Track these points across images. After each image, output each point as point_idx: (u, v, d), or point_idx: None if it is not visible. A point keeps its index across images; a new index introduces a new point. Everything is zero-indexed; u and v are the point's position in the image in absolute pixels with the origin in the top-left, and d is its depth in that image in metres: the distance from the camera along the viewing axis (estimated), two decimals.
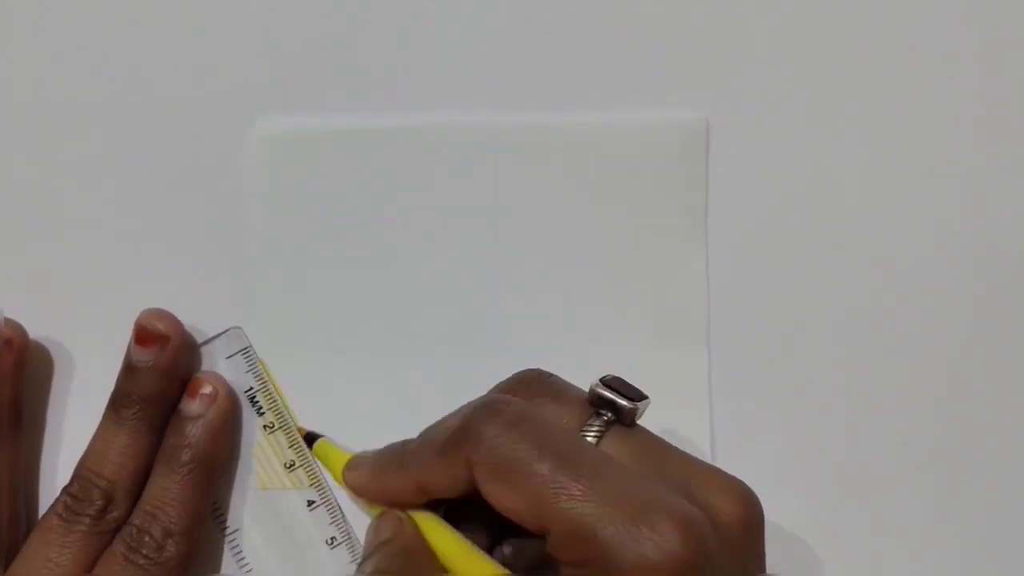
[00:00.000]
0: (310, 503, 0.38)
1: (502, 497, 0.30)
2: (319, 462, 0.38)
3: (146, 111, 0.39)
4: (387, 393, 0.38)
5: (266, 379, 0.38)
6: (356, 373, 0.38)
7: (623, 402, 0.32)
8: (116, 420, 0.36)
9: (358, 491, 0.35)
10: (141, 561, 0.35)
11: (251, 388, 0.38)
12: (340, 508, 0.38)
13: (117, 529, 0.35)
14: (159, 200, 0.39)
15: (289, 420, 0.38)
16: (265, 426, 0.38)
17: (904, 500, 0.38)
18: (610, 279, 0.38)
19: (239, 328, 0.38)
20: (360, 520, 0.37)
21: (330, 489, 0.38)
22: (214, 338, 0.38)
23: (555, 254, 0.38)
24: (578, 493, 0.28)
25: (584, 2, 0.39)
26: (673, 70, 0.39)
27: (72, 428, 0.39)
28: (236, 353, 0.38)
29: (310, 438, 0.38)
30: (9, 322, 0.38)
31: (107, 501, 0.35)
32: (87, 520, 0.35)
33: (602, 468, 0.29)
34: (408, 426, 0.37)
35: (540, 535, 0.29)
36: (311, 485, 0.38)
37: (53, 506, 0.36)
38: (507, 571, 0.30)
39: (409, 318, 0.38)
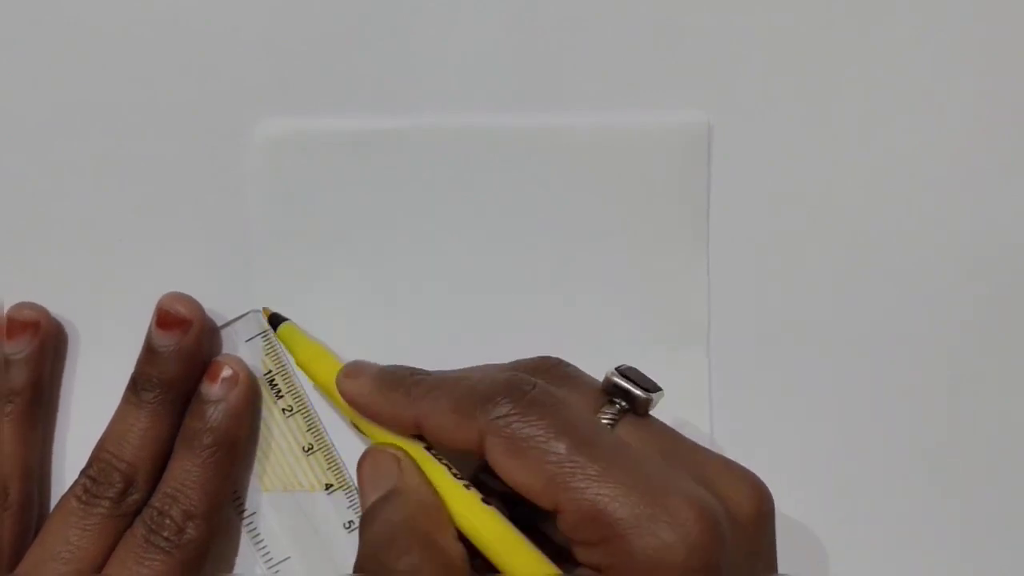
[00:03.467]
0: (328, 486, 0.38)
1: (514, 472, 0.30)
2: (282, 344, 0.37)
3: (152, 113, 0.39)
4: None
5: (285, 362, 0.38)
6: None
7: (638, 392, 0.32)
8: (136, 403, 0.36)
9: (352, 400, 0.34)
10: (162, 543, 0.34)
11: (270, 371, 0.38)
12: (358, 491, 0.38)
13: (137, 512, 0.35)
14: (165, 198, 0.39)
15: (308, 403, 0.38)
16: (284, 409, 0.38)
17: (904, 499, 0.39)
18: (612, 280, 0.39)
19: (259, 311, 0.38)
20: None
21: (348, 472, 0.38)
22: (233, 321, 0.38)
23: (557, 255, 0.39)
24: (594, 473, 0.29)
25: (585, 3, 0.39)
26: (675, 71, 0.39)
27: (79, 412, 0.38)
28: (255, 336, 0.38)
29: (275, 319, 0.37)
30: (33, 305, 0.37)
31: (127, 484, 0.35)
32: (107, 503, 0.35)
33: (619, 451, 0.29)
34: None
35: (551, 512, 0.30)
36: (329, 468, 0.38)
37: (72, 488, 0.35)
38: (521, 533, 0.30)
39: (410, 319, 0.38)
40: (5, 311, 0.37)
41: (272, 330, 0.37)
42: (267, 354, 0.38)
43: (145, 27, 0.39)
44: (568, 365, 0.34)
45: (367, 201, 0.38)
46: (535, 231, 0.39)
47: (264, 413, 0.38)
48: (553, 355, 0.34)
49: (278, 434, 0.38)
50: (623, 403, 0.32)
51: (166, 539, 0.34)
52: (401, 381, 0.33)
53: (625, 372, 0.32)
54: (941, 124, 0.39)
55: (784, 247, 0.39)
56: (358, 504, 0.38)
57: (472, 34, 0.39)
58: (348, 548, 0.37)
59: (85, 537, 0.34)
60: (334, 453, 0.38)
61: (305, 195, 0.38)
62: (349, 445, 0.38)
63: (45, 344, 0.37)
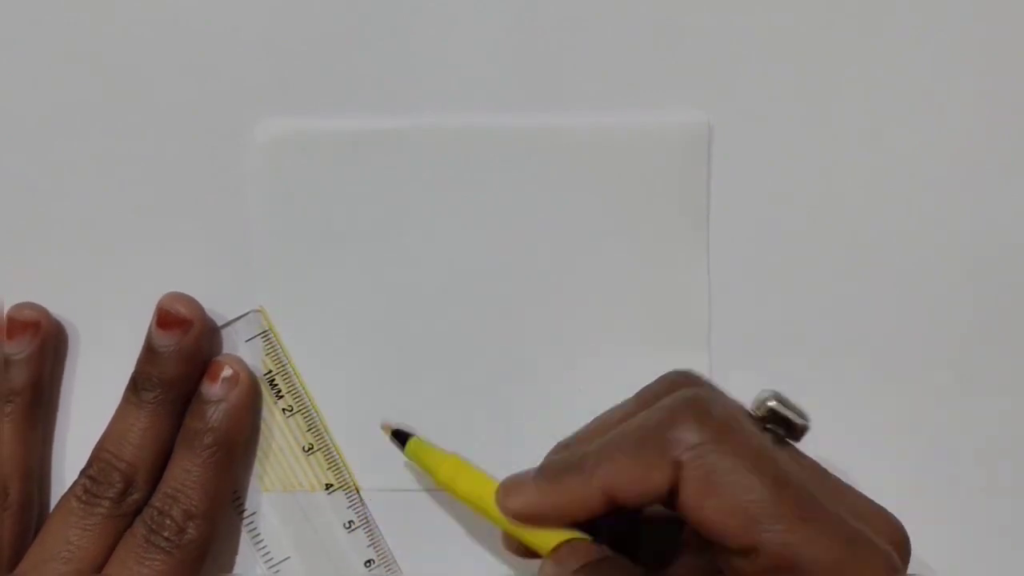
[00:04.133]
0: (328, 486, 0.38)
1: (708, 510, 0.29)
2: (412, 461, 0.36)
3: (152, 113, 0.39)
4: (389, 395, 0.38)
5: (285, 362, 0.38)
6: (358, 372, 0.38)
7: (799, 420, 0.31)
8: (136, 403, 0.36)
9: (525, 516, 0.32)
10: (162, 543, 0.34)
11: (270, 371, 0.38)
12: (358, 491, 0.38)
13: (137, 512, 0.35)
14: (165, 198, 0.39)
15: (308, 403, 0.38)
16: (284, 409, 0.38)
17: (904, 499, 0.38)
18: (611, 281, 0.39)
19: (259, 311, 0.38)
20: (378, 504, 0.38)
21: (348, 472, 0.38)
22: (234, 321, 0.38)
23: (556, 256, 0.39)
24: (792, 514, 0.28)
25: (585, 3, 0.39)
26: (675, 71, 0.39)
27: (79, 412, 0.39)
28: (256, 336, 0.38)
29: (401, 435, 0.36)
30: (33, 305, 0.38)
31: (127, 484, 0.35)
32: (107, 503, 0.35)
33: (811, 492, 0.29)
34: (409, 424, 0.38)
35: (741, 552, 0.29)
36: (329, 468, 0.38)
37: (72, 488, 0.35)
38: None
39: (410, 319, 0.38)
40: (5, 311, 0.37)
41: (398, 443, 0.36)
42: (267, 354, 0.38)
43: (145, 27, 0.39)
44: (709, 383, 0.33)
45: (367, 201, 0.39)
46: (535, 231, 0.39)
47: (264, 413, 0.38)
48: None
49: (278, 434, 0.38)
50: (780, 430, 0.31)
51: (166, 539, 0.35)
52: (567, 464, 0.31)
53: (778, 396, 0.31)
54: (941, 124, 0.39)
55: (784, 247, 0.39)
56: (358, 504, 0.38)
57: (472, 34, 0.39)
58: (348, 548, 0.38)
59: (85, 537, 0.35)
60: (334, 453, 0.38)
61: (305, 195, 0.38)
62: (349, 445, 0.38)
63: (45, 344, 0.37)
